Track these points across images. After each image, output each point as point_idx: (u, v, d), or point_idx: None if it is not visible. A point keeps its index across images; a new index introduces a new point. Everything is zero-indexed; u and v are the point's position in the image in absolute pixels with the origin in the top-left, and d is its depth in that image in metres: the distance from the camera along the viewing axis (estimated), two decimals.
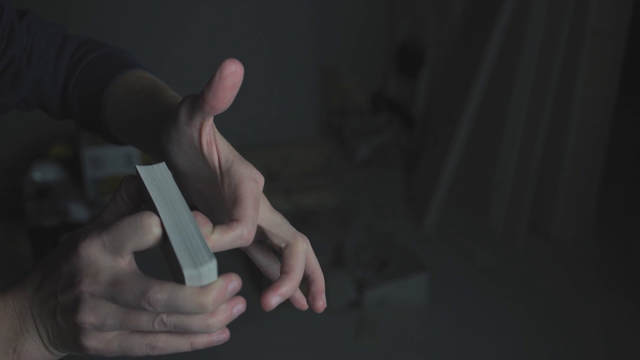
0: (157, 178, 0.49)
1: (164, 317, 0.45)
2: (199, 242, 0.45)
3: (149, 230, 0.45)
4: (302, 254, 0.52)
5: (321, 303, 0.54)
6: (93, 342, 0.47)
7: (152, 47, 3.26)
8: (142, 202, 0.51)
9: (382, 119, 4.13)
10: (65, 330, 0.48)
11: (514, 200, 3.04)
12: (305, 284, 0.55)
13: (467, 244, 3.08)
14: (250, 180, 0.50)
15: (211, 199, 0.54)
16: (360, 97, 4.21)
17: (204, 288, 0.43)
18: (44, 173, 2.65)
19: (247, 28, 3.47)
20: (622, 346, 2.46)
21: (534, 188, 3.01)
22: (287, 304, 0.53)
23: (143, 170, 0.49)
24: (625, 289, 2.77)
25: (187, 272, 0.43)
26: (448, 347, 2.46)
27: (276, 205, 0.59)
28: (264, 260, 0.56)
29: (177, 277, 0.46)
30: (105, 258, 0.46)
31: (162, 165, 0.50)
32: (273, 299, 0.49)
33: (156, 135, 0.59)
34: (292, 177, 3.46)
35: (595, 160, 3.01)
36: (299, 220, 3.00)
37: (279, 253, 0.53)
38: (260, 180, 0.51)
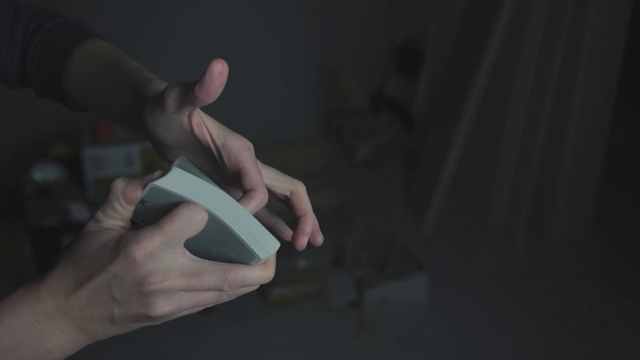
0: (183, 183, 0.52)
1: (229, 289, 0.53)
2: (261, 230, 0.53)
3: (202, 218, 0.50)
4: (306, 196, 0.59)
5: (319, 238, 0.60)
6: (166, 315, 0.52)
7: (150, 46, 3.26)
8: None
9: (382, 119, 4.14)
10: (124, 324, 0.53)
11: (514, 200, 3.05)
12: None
13: (467, 244, 3.08)
14: (246, 151, 0.55)
15: (199, 163, 0.60)
16: (360, 97, 4.21)
17: (266, 264, 0.53)
18: (44, 173, 2.65)
19: (248, 28, 3.47)
20: (622, 346, 2.46)
21: (534, 188, 3.01)
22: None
23: (166, 184, 0.52)
24: (625, 289, 2.77)
25: (263, 257, 0.52)
26: (448, 347, 2.46)
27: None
28: (272, 219, 0.62)
29: (223, 252, 0.53)
30: (166, 254, 0.50)
31: (177, 171, 0.53)
32: (304, 240, 0.57)
33: (125, 108, 0.64)
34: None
35: (594, 160, 3.01)
36: None
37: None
38: (252, 146, 0.57)
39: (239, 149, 0.55)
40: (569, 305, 2.68)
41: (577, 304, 2.69)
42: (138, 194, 0.52)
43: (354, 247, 2.84)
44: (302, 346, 2.45)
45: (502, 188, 3.11)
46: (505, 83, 3.01)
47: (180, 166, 0.53)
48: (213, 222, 0.52)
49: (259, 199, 0.54)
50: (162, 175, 0.52)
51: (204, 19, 3.38)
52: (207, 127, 0.55)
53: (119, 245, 0.50)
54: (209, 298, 0.52)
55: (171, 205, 0.52)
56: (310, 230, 0.57)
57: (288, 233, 0.61)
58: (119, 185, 0.53)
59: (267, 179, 0.58)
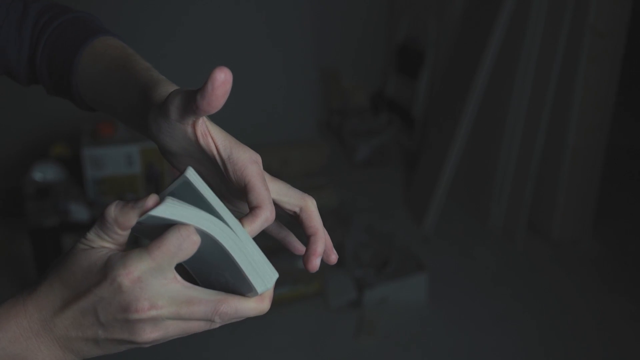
0: (182, 208, 0.49)
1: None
2: (261, 259, 0.51)
3: (193, 242, 0.48)
4: (316, 212, 0.56)
5: (333, 257, 0.57)
6: (152, 341, 0.51)
7: (150, 46, 3.26)
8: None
9: (382, 119, 4.14)
10: (109, 346, 0.51)
11: (514, 200, 3.05)
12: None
13: (467, 244, 3.08)
14: (252, 164, 0.53)
15: (205, 172, 0.57)
16: (360, 97, 4.21)
17: (262, 296, 0.52)
18: (44, 173, 2.66)
19: (247, 28, 3.47)
20: (622, 346, 2.46)
21: (534, 188, 3.01)
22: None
23: (163, 212, 0.49)
24: (625, 289, 2.77)
25: (260, 290, 0.50)
26: (448, 346, 2.46)
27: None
28: (281, 232, 0.60)
29: (220, 274, 0.51)
30: (155, 280, 0.48)
31: (171, 200, 0.50)
32: (316, 261, 0.55)
33: (133, 109, 0.62)
34: (292, 177, 3.47)
35: (594, 160, 3.01)
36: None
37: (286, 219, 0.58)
38: (259, 159, 0.54)
39: (245, 163, 0.53)
40: (569, 305, 2.68)
41: (577, 304, 2.69)
42: (133, 222, 0.50)
43: (354, 247, 2.84)
44: (302, 346, 2.45)
45: (502, 188, 3.11)
46: (505, 83, 3.01)
47: (185, 183, 0.51)
48: (214, 246, 0.50)
49: (265, 216, 0.52)
50: (156, 203, 0.49)
51: (205, 19, 3.39)
52: (212, 137, 0.53)
53: (107, 268, 0.48)
54: (199, 326, 0.51)
55: (168, 226, 0.49)
56: (322, 251, 0.55)
57: (299, 247, 0.59)
58: (112, 212, 0.50)
59: (275, 193, 0.56)
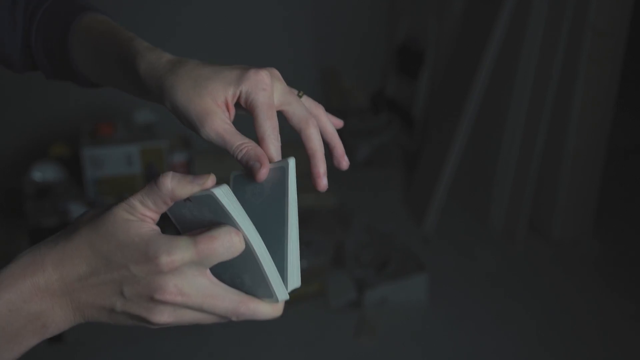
0: (235, 199, 0.50)
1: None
2: (286, 264, 0.53)
3: (239, 249, 0.49)
4: (315, 134, 0.57)
5: (344, 163, 0.60)
6: (164, 324, 0.51)
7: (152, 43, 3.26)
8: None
9: (382, 119, 4.14)
10: (121, 319, 0.51)
11: (514, 200, 3.05)
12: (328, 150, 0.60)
13: (467, 244, 3.08)
14: (259, 92, 0.54)
15: None
16: (360, 97, 4.21)
17: (279, 304, 0.53)
18: (44, 173, 2.65)
19: (247, 28, 3.47)
20: (622, 346, 2.46)
21: (534, 188, 3.01)
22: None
23: (223, 197, 0.49)
24: (625, 289, 2.77)
25: (280, 299, 0.52)
26: (448, 347, 2.46)
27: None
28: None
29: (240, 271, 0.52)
30: (190, 271, 0.49)
31: (227, 188, 0.50)
32: (323, 181, 0.57)
33: (129, 79, 0.63)
34: None
35: (595, 160, 3.01)
36: (299, 220, 3.00)
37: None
38: (267, 78, 0.55)
39: (249, 91, 0.55)
40: (569, 305, 2.68)
41: (577, 304, 2.69)
42: (186, 196, 0.50)
43: (354, 247, 2.84)
44: (303, 346, 2.45)
45: (502, 188, 3.10)
46: (505, 83, 3.01)
47: (235, 178, 0.52)
48: (245, 250, 0.50)
49: (274, 147, 0.54)
50: (215, 184, 0.49)
51: (205, 19, 3.38)
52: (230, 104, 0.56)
53: (149, 250, 0.48)
54: (211, 319, 0.51)
55: (213, 219, 0.49)
56: (324, 171, 0.57)
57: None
58: (168, 183, 0.49)
59: (283, 108, 0.57)
